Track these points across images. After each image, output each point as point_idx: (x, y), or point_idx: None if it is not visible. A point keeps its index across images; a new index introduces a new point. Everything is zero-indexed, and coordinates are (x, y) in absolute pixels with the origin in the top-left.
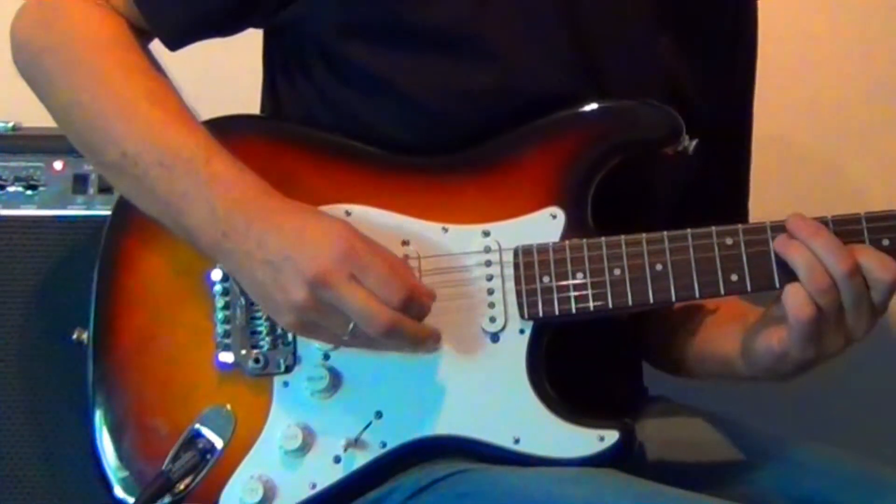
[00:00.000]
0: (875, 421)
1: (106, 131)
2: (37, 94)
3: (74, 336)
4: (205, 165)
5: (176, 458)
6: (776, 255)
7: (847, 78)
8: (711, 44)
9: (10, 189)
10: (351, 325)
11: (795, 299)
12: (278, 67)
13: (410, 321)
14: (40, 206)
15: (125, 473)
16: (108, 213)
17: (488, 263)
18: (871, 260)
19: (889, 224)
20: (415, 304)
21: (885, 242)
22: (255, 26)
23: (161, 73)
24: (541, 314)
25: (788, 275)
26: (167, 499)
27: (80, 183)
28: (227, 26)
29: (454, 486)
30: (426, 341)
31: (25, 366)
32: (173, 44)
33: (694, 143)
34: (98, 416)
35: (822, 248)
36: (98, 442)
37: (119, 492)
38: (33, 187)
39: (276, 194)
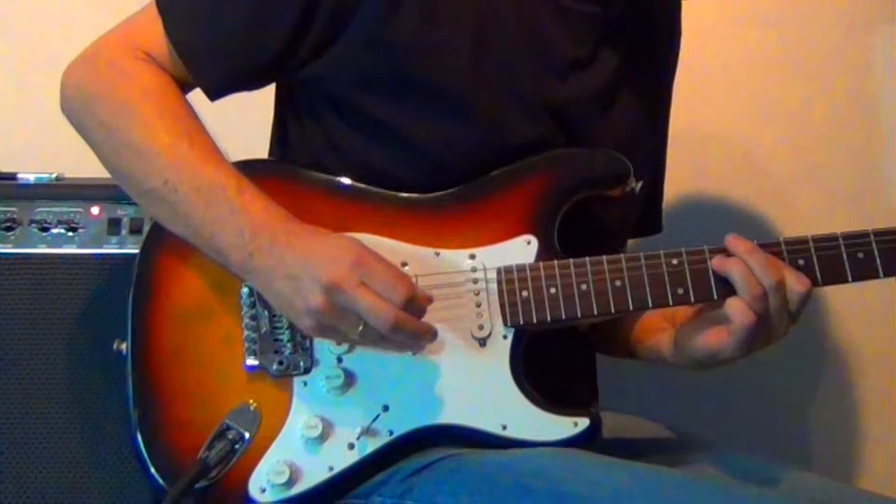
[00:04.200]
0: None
1: (150, 164)
2: (85, 136)
3: (115, 346)
4: (236, 195)
5: (210, 447)
6: (714, 272)
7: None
8: (657, 95)
9: (54, 231)
10: (360, 327)
11: (738, 307)
12: (290, 114)
13: (412, 318)
14: (80, 246)
15: (163, 464)
16: (139, 250)
17: (475, 281)
18: (790, 275)
19: (804, 247)
20: (415, 304)
21: (801, 262)
22: (281, 81)
23: (197, 119)
24: (521, 322)
25: (725, 288)
26: (202, 483)
27: (114, 225)
28: (260, 80)
29: (447, 465)
30: (425, 336)
31: (69, 382)
32: (214, 94)
33: (640, 184)
34: (138, 414)
35: (756, 263)
36: (138, 438)
37: (158, 481)
38: (74, 229)
39: (295, 220)
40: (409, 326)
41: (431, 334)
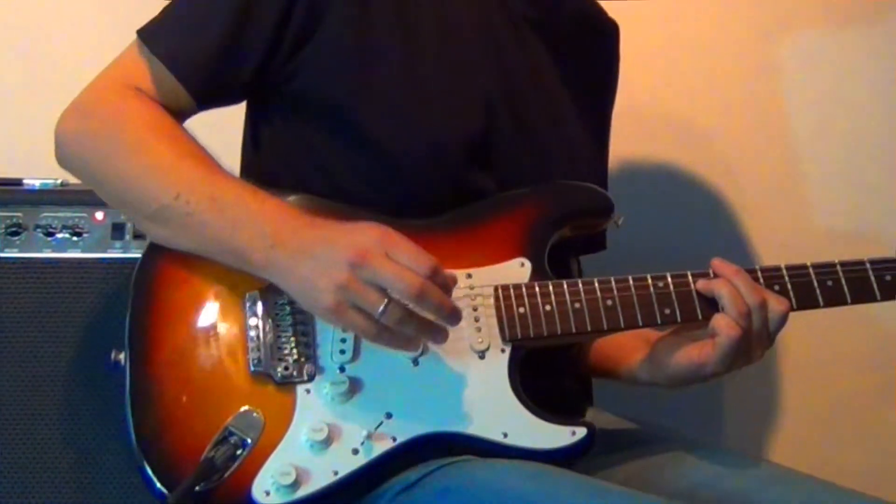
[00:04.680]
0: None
1: (158, 182)
2: (86, 176)
3: (112, 356)
4: (252, 198)
5: (213, 451)
6: (699, 294)
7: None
8: (600, 119)
9: (59, 236)
10: (383, 305)
11: (725, 322)
12: (262, 122)
13: (438, 289)
14: (84, 251)
15: (163, 470)
16: (140, 259)
17: (473, 297)
18: (771, 297)
19: (778, 274)
20: (440, 276)
21: (776, 287)
22: (261, 87)
23: (197, 140)
24: (519, 335)
25: (709, 308)
26: (202, 486)
27: (117, 230)
28: (244, 88)
29: (435, 484)
30: (447, 309)
31: (73, 384)
32: (203, 101)
33: (622, 219)
34: (136, 419)
35: (741, 284)
36: (136, 444)
37: (159, 485)
38: (78, 234)
39: (311, 215)
40: (435, 296)
41: (453, 312)
